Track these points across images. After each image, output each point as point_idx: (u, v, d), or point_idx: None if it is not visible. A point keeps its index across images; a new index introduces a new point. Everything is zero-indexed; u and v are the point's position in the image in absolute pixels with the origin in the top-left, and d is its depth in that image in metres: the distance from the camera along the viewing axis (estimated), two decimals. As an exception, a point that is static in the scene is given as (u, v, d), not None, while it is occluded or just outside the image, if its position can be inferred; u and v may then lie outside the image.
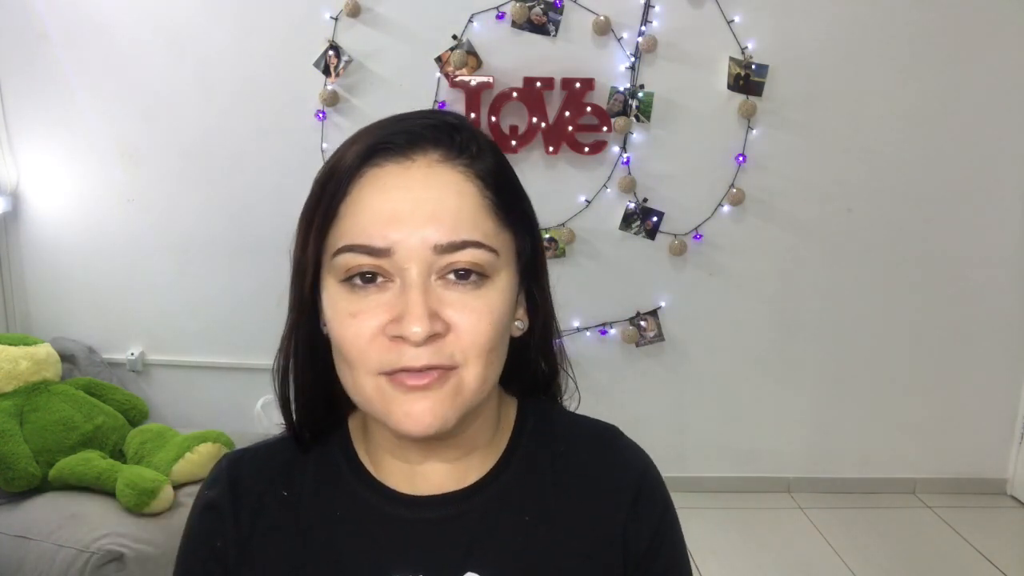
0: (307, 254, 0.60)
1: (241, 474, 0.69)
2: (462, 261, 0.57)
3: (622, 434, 0.74)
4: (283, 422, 0.72)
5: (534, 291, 0.67)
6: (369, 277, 0.57)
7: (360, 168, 0.58)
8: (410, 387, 0.57)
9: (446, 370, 0.57)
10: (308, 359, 0.65)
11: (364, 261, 0.57)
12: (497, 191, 0.61)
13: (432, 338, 0.56)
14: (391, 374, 0.57)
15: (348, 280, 0.58)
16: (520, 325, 0.66)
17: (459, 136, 0.60)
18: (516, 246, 0.63)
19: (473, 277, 0.58)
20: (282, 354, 0.66)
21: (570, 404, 0.77)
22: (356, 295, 0.58)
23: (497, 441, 0.69)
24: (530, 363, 0.71)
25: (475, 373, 0.58)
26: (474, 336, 0.58)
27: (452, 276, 0.58)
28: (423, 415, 0.57)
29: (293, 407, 0.68)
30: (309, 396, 0.67)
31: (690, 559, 2.51)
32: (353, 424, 0.71)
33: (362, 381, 0.59)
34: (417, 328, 0.55)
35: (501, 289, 0.60)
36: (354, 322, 0.57)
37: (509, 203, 0.62)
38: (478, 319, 0.58)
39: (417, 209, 0.57)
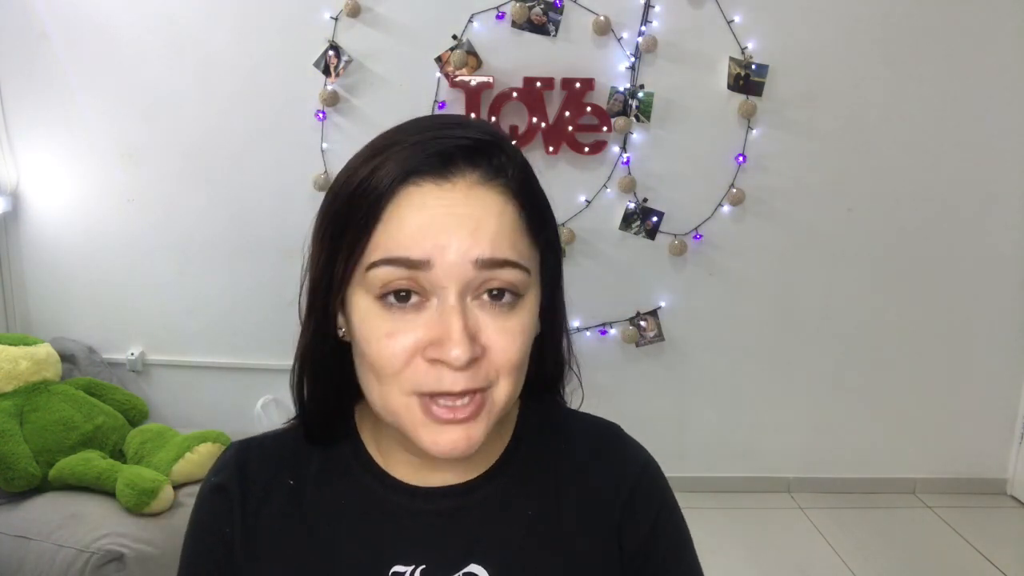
0: (335, 268, 0.59)
1: (249, 461, 0.70)
2: (499, 280, 0.57)
3: (623, 432, 0.75)
4: (283, 422, 0.72)
5: (555, 301, 0.68)
6: (404, 295, 0.57)
7: (397, 186, 0.57)
8: (444, 420, 0.57)
9: (480, 395, 0.58)
10: (325, 367, 0.66)
11: (401, 275, 0.56)
12: (531, 212, 0.61)
13: (471, 361, 0.56)
14: (425, 396, 0.57)
15: (383, 298, 0.57)
16: (536, 330, 0.67)
17: (496, 159, 0.60)
18: (543, 261, 0.64)
19: (507, 298, 0.58)
20: (298, 364, 0.67)
21: (573, 401, 0.78)
22: (392, 314, 0.57)
23: (502, 435, 0.70)
24: (541, 362, 0.71)
25: (504, 391, 0.59)
26: (507, 358, 0.58)
27: (486, 296, 0.58)
28: (457, 444, 0.58)
29: (305, 404, 0.68)
30: (323, 400, 0.68)
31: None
32: (360, 414, 0.71)
33: (393, 397, 0.59)
34: (458, 352, 0.55)
35: (530, 308, 0.61)
36: (390, 342, 0.57)
37: (542, 219, 0.63)
38: (511, 341, 0.58)
39: (459, 224, 0.56)
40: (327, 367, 0.65)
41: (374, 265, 0.57)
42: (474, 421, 0.58)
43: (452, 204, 0.57)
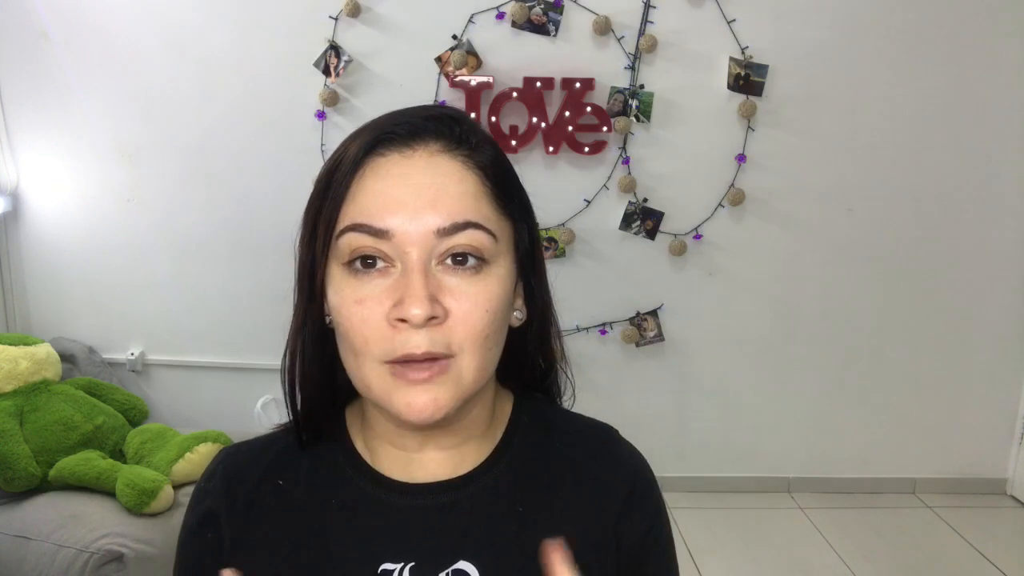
0: (315, 244, 0.61)
1: (237, 466, 0.70)
2: (461, 243, 0.58)
3: (618, 434, 0.75)
4: (283, 422, 0.72)
5: (532, 282, 0.68)
6: (370, 262, 0.59)
7: (364, 158, 0.60)
8: (411, 380, 0.58)
9: (445, 360, 0.58)
10: (315, 353, 0.66)
11: (366, 242, 0.58)
12: (496, 181, 0.62)
13: (431, 321, 0.57)
14: (394, 363, 0.58)
15: (351, 264, 0.59)
16: (519, 315, 0.67)
17: (459, 127, 0.62)
18: (514, 236, 0.64)
19: (472, 262, 0.59)
20: (289, 350, 0.67)
21: (567, 403, 0.78)
22: (359, 280, 0.59)
23: (492, 432, 0.70)
24: (528, 356, 0.71)
25: (472, 363, 0.60)
26: (470, 324, 0.59)
27: (450, 261, 0.59)
28: (425, 406, 0.58)
29: (297, 400, 0.69)
30: (313, 389, 0.68)
31: (690, 559, 2.50)
32: (350, 413, 0.72)
33: (366, 369, 0.60)
34: (417, 310, 0.56)
35: (499, 276, 0.61)
36: (360, 309, 0.58)
37: (508, 193, 0.63)
38: (473, 307, 0.59)
39: (418, 195, 0.58)
40: (319, 354, 0.66)
41: (341, 233, 0.59)
42: (441, 384, 0.58)
43: (411, 173, 0.59)
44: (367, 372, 0.60)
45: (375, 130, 0.61)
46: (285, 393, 0.69)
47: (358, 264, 0.59)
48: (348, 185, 0.60)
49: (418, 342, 0.57)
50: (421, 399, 0.58)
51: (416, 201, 0.58)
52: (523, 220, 0.66)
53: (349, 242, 0.59)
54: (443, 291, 0.58)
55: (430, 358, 0.58)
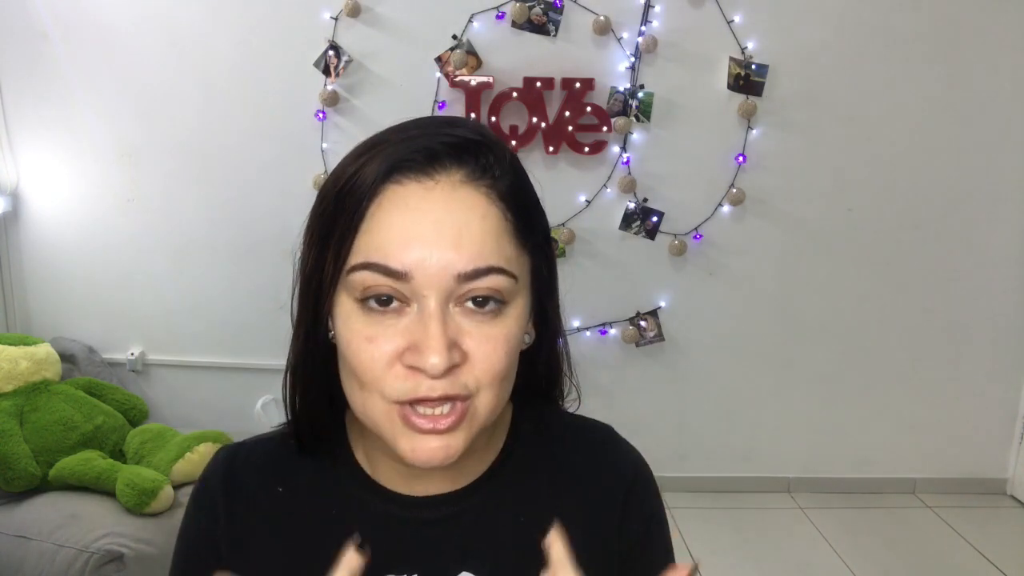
0: (324, 270, 0.58)
1: (237, 468, 0.69)
2: (482, 288, 0.56)
3: (617, 434, 0.74)
4: (283, 422, 0.72)
5: (547, 306, 0.66)
6: (385, 300, 0.56)
7: (380, 185, 0.56)
8: (423, 430, 0.56)
9: (461, 400, 0.57)
10: (316, 369, 0.65)
11: (381, 282, 0.55)
12: (518, 212, 0.59)
13: (449, 369, 0.55)
14: (405, 404, 0.56)
15: (364, 301, 0.56)
16: (528, 339, 0.65)
17: (482, 156, 0.58)
18: (533, 267, 0.62)
19: (491, 305, 0.56)
20: (290, 368, 0.66)
21: (570, 406, 0.77)
22: (372, 318, 0.56)
23: (493, 443, 0.69)
24: (536, 375, 0.70)
25: (487, 401, 0.58)
26: (489, 366, 0.56)
27: (470, 304, 0.56)
28: (435, 453, 0.57)
29: (296, 413, 0.67)
30: (314, 403, 0.66)
31: (690, 559, 2.50)
32: (350, 423, 0.71)
33: (373, 405, 0.57)
34: (436, 360, 0.53)
35: (517, 316, 0.59)
36: (370, 347, 0.56)
37: (530, 224, 0.60)
38: (494, 349, 0.56)
39: (440, 233, 0.54)
40: (319, 374, 0.64)
41: (355, 269, 0.56)
42: (454, 432, 0.57)
43: (433, 208, 0.55)
44: (374, 408, 0.57)
45: (391, 154, 0.57)
46: (286, 408, 0.67)
47: (372, 303, 0.56)
48: (363, 215, 0.56)
49: (433, 386, 0.55)
50: (430, 448, 0.56)
51: (438, 242, 0.54)
52: (544, 250, 0.63)
53: (363, 280, 0.55)
54: (461, 334, 0.56)
55: (446, 399, 0.56)
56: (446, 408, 0.56)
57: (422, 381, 0.55)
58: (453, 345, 0.55)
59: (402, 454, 0.57)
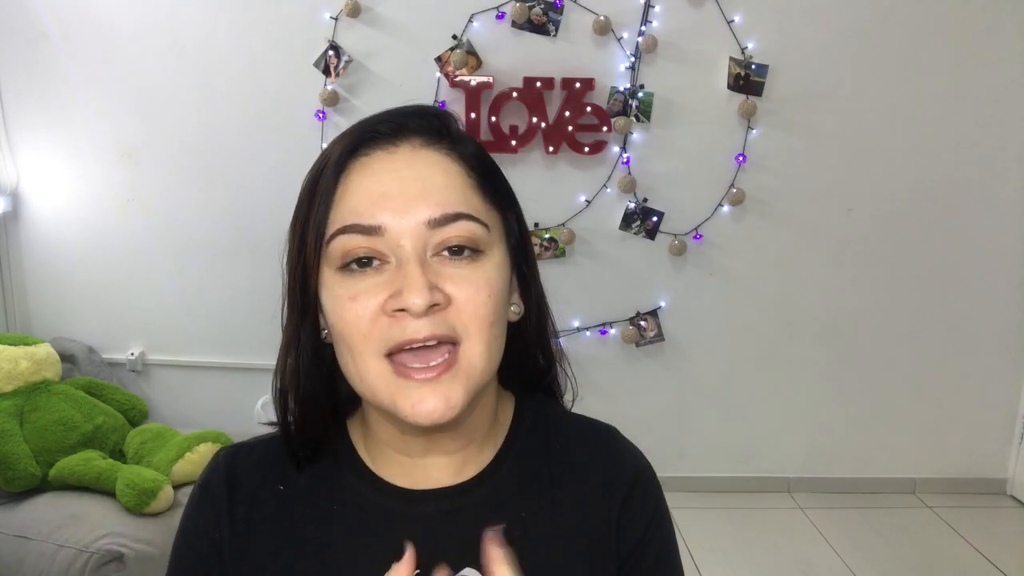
0: (305, 252, 0.61)
1: (237, 468, 0.69)
2: (455, 235, 0.58)
3: (619, 434, 0.74)
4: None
5: (525, 272, 0.68)
6: (365, 261, 0.58)
7: (348, 159, 0.60)
8: (418, 380, 0.57)
9: (451, 349, 0.58)
10: (311, 367, 0.65)
11: (359, 243, 0.57)
12: (481, 172, 0.62)
13: (433, 309, 0.56)
14: (395, 355, 0.57)
15: (345, 267, 0.58)
16: (516, 309, 0.67)
17: (440, 122, 0.62)
18: (504, 226, 0.64)
19: (467, 252, 0.59)
20: (280, 368, 0.66)
21: (569, 403, 0.77)
22: (354, 279, 0.58)
23: (494, 436, 0.69)
24: (527, 354, 0.71)
25: (479, 349, 0.59)
26: (474, 308, 0.58)
27: (446, 253, 0.58)
28: (435, 407, 0.57)
29: (292, 420, 0.67)
30: (311, 405, 0.66)
31: (690, 559, 2.49)
32: (352, 418, 0.71)
33: (366, 367, 0.58)
34: (418, 299, 0.55)
35: (496, 263, 0.61)
36: (354, 304, 0.57)
37: (494, 183, 0.64)
38: (476, 291, 0.58)
39: (405, 187, 0.58)
40: (314, 370, 0.64)
41: (333, 236, 0.58)
42: (450, 381, 0.57)
43: (397, 167, 0.59)
44: (368, 370, 0.58)
45: (356, 132, 0.61)
46: (277, 413, 0.67)
47: (353, 266, 0.58)
48: (334, 188, 0.60)
49: (418, 327, 0.56)
50: (430, 401, 0.57)
51: (404, 193, 0.57)
52: (511, 210, 0.66)
53: (341, 245, 0.58)
54: (443, 279, 0.57)
55: (436, 342, 0.57)
56: (438, 360, 0.57)
57: (408, 323, 0.56)
58: (434, 286, 0.56)
59: (403, 414, 0.58)
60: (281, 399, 0.67)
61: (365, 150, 0.60)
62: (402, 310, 0.56)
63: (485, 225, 0.60)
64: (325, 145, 2.45)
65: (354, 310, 0.57)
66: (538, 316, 0.70)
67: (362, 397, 0.62)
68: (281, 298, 0.65)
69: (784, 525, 2.65)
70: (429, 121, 0.62)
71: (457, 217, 0.58)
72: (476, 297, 0.58)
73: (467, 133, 0.65)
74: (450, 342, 0.58)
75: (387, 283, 0.57)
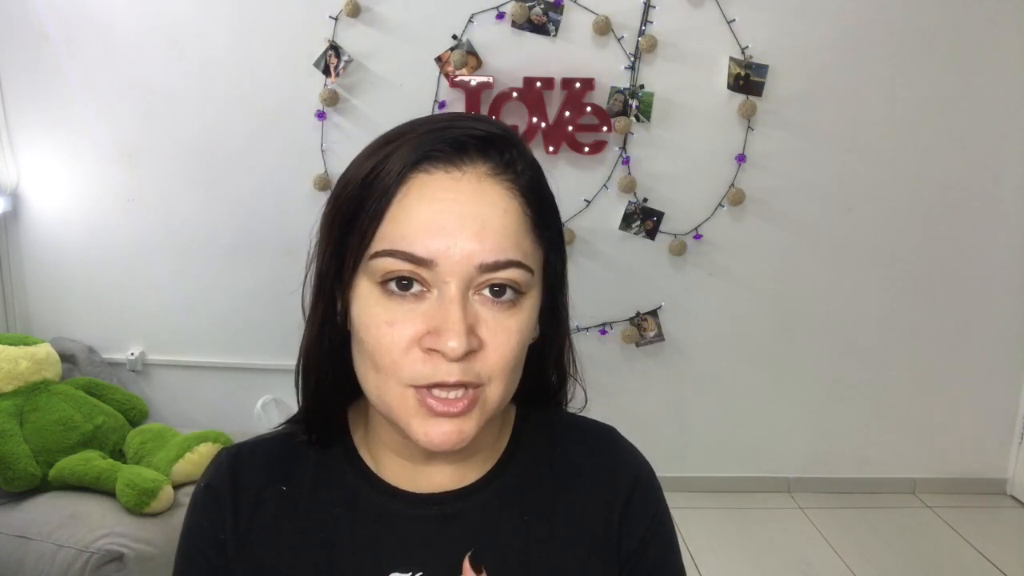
0: (345, 256, 0.59)
1: (240, 467, 0.69)
2: (502, 279, 0.57)
3: (620, 436, 0.75)
4: (282, 422, 0.72)
5: (558, 302, 0.67)
6: (406, 284, 0.57)
7: (408, 172, 0.57)
8: (438, 413, 0.57)
9: (474, 388, 0.58)
10: (329, 362, 0.65)
11: (404, 267, 0.56)
12: (536, 208, 0.61)
13: (467, 353, 0.56)
14: (421, 387, 0.57)
15: (384, 284, 0.57)
16: (536, 334, 0.66)
17: (506, 151, 0.60)
18: (546, 261, 0.63)
19: (508, 295, 0.58)
20: (303, 360, 0.66)
21: (574, 406, 0.77)
22: (393, 302, 0.57)
23: (498, 441, 0.70)
24: (543, 373, 0.71)
25: (497, 391, 0.59)
26: (502, 355, 0.58)
27: (488, 292, 0.58)
28: (448, 436, 0.58)
29: (309, 401, 0.68)
30: (326, 393, 0.67)
31: (690, 559, 2.49)
32: (353, 419, 0.71)
33: (388, 388, 0.58)
34: (455, 344, 0.54)
35: (531, 307, 0.60)
36: (390, 331, 0.57)
37: (546, 220, 0.62)
38: (507, 339, 0.58)
39: (464, 224, 0.56)
40: (332, 361, 0.65)
41: (378, 255, 0.57)
42: (467, 416, 0.58)
43: (459, 199, 0.57)
44: (389, 392, 0.58)
45: (419, 143, 0.58)
46: (299, 399, 0.68)
47: (393, 285, 0.57)
48: (389, 201, 0.57)
49: (450, 370, 0.56)
50: (444, 428, 0.57)
51: (462, 232, 0.56)
52: (557, 245, 0.65)
53: (385, 265, 0.56)
54: (479, 322, 0.57)
55: (460, 385, 0.57)
56: (459, 392, 0.57)
57: (440, 365, 0.56)
58: (471, 332, 0.56)
59: (415, 437, 0.58)
60: (305, 386, 0.67)
61: (427, 166, 0.57)
62: (436, 351, 0.56)
63: (531, 271, 0.59)
64: (326, 145, 2.44)
65: (390, 335, 0.57)
66: (559, 340, 0.69)
67: (374, 405, 0.62)
68: (303, 278, 0.64)
69: (784, 525, 2.65)
70: (497, 148, 0.59)
71: (508, 264, 0.57)
72: (506, 344, 0.58)
73: (530, 154, 0.63)
74: (474, 387, 0.58)
75: (425, 315, 0.56)
